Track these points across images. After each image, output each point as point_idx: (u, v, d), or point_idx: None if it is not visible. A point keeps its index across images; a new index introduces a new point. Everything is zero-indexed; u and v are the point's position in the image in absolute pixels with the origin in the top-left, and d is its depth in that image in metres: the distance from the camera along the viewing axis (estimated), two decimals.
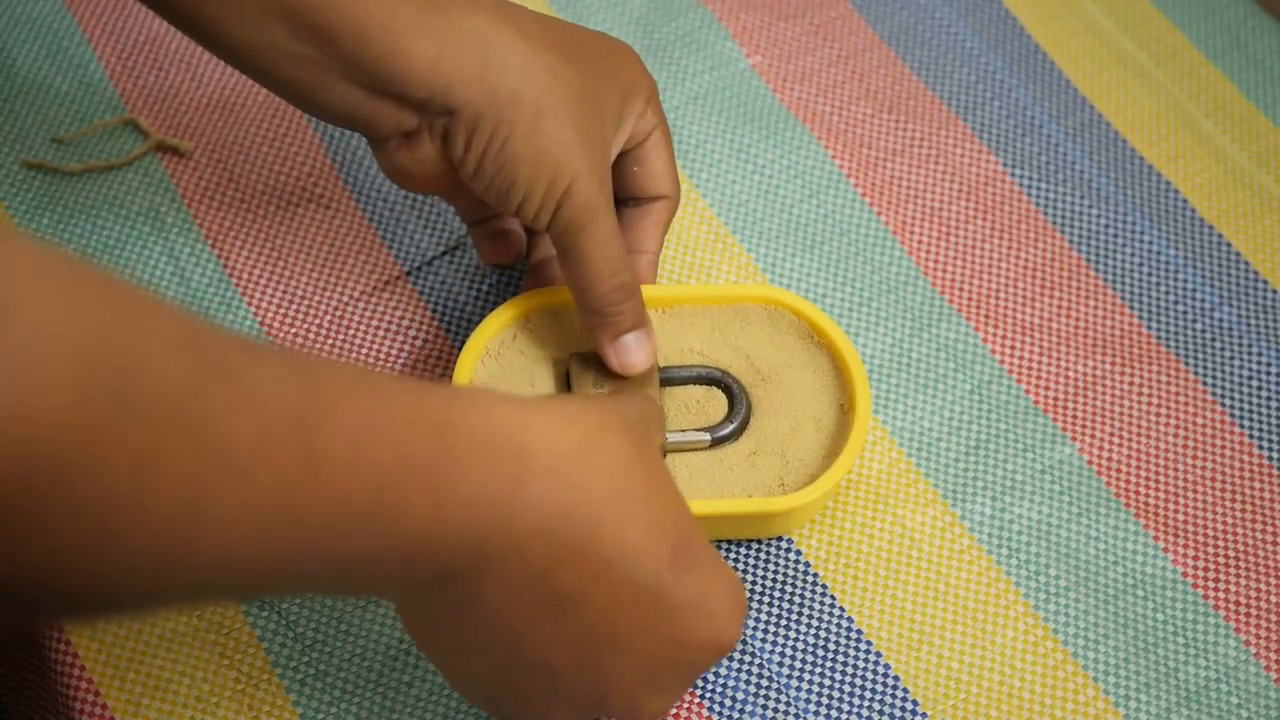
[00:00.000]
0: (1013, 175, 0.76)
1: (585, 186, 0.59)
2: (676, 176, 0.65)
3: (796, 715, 0.61)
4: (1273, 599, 0.65)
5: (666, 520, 0.50)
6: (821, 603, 0.64)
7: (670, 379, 0.65)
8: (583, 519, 0.47)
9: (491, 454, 0.46)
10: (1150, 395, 0.70)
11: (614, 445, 0.49)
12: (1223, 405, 0.70)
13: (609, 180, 0.61)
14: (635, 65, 0.63)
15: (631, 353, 0.62)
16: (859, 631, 0.63)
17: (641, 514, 0.49)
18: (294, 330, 0.69)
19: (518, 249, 0.68)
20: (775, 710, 0.62)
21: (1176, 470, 0.68)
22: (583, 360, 0.65)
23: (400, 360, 0.68)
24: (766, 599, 0.64)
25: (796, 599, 0.64)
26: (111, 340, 0.36)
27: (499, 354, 0.65)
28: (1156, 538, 0.66)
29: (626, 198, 0.65)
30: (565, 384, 0.65)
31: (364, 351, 0.69)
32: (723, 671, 0.62)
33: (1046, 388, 0.70)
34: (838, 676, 0.62)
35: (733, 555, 0.65)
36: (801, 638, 0.63)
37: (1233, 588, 0.65)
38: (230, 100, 0.75)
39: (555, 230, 0.60)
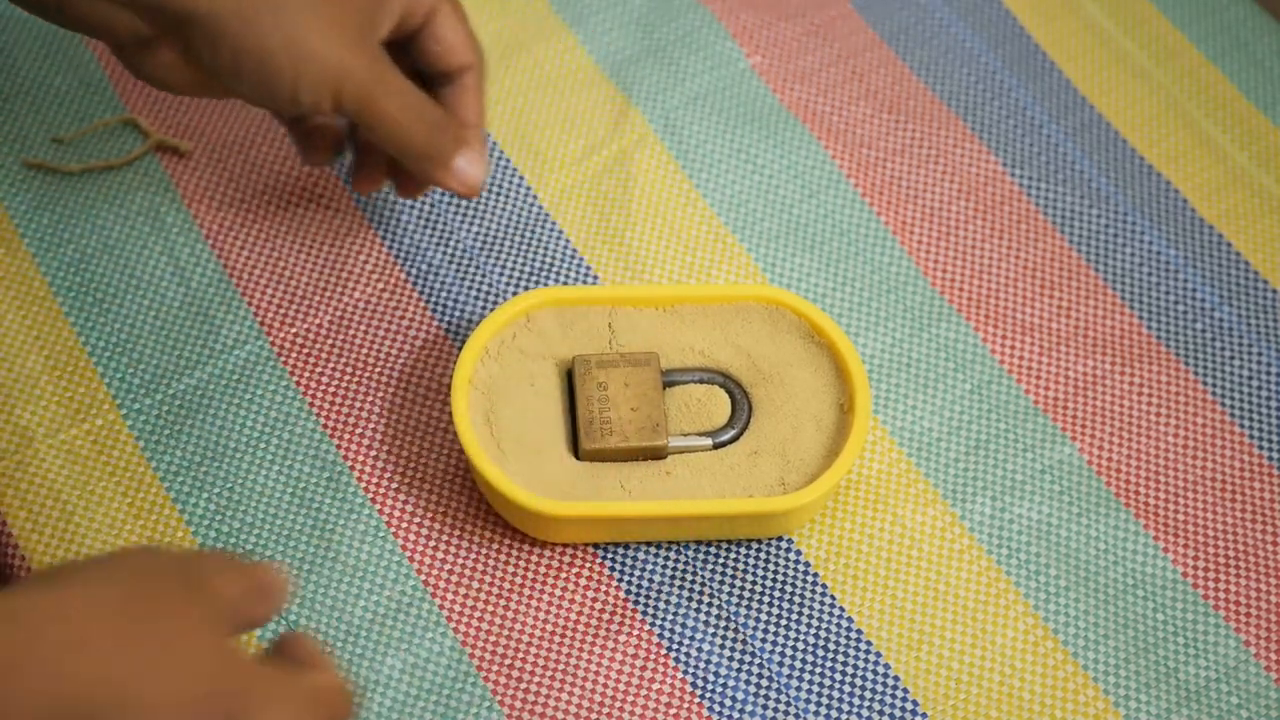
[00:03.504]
0: (1013, 175, 0.76)
1: (356, 63, 0.59)
2: (476, 42, 0.64)
3: (796, 715, 0.61)
4: (1273, 599, 0.65)
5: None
6: (821, 603, 0.64)
7: (673, 380, 0.65)
8: None
9: None
10: (1150, 395, 0.70)
11: None
12: (1223, 405, 0.70)
13: (380, 52, 0.60)
14: None
15: (465, 171, 0.63)
16: (859, 631, 0.63)
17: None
18: (294, 330, 0.69)
19: (334, 142, 0.67)
20: (775, 710, 0.62)
21: (1176, 470, 0.68)
22: (585, 361, 0.65)
23: (400, 360, 0.68)
24: (766, 599, 0.64)
25: (796, 599, 0.64)
26: None
27: (499, 354, 0.65)
28: (1156, 538, 0.66)
29: (435, 74, 0.65)
30: (567, 384, 0.65)
31: (364, 351, 0.69)
32: (723, 671, 0.62)
33: (1046, 388, 0.70)
34: (838, 676, 0.62)
35: (733, 555, 0.65)
36: (801, 638, 0.63)
37: (1233, 588, 0.65)
38: (230, 100, 0.75)
39: (347, 112, 0.61)
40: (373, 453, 0.66)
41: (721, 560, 0.65)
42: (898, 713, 0.62)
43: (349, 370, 0.68)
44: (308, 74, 0.59)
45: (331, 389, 0.68)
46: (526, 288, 0.71)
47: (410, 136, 0.61)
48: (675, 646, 0.63)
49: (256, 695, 0.45)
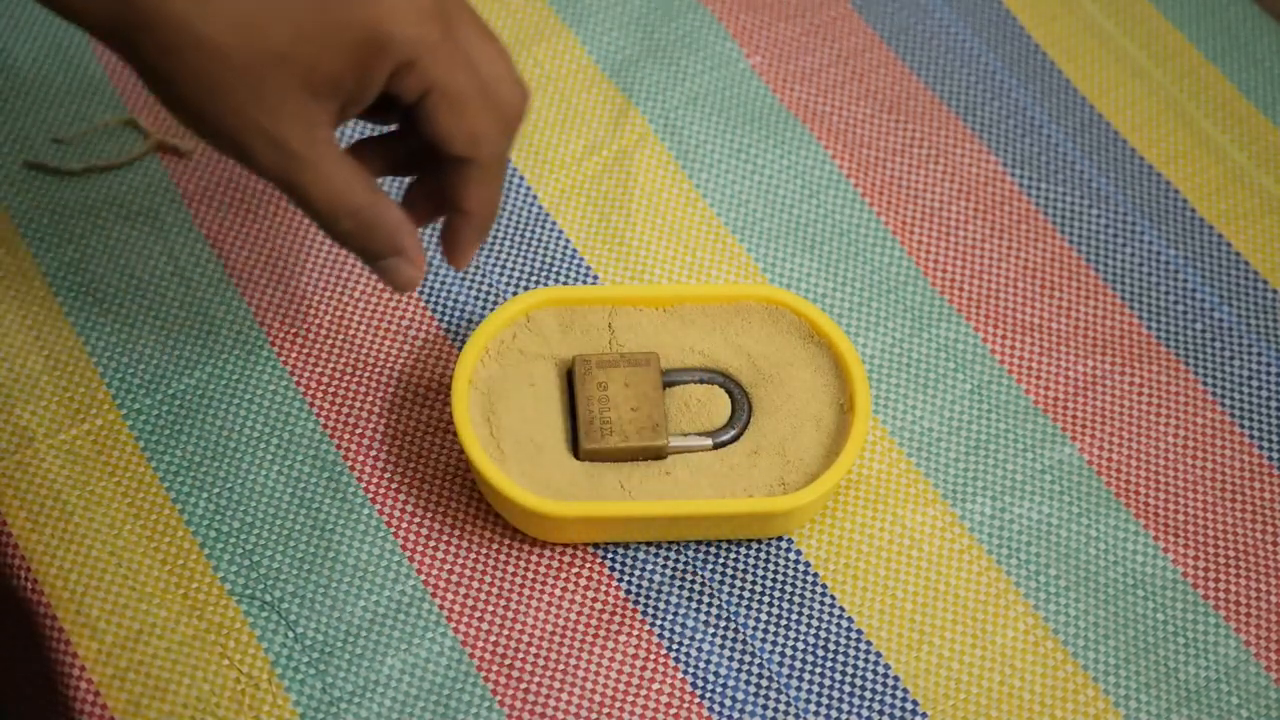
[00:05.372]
0: (1013, 175, 0.76)
1: (289, 133, 0.55)
2: (481, 134, 0.57)
3: (796, 715, 0.62)
4: (1273, 599, 0.65)
5: None
6: (821, 603, 0.64)
7: (673, 380, 0.65)
8: None
9: None
10: (1150, 395, 0.70)
11: None
12: (1223, 405, 0.70)
13: (321, 127, 0.55)
14: (395, 15, 0.54)
15: (390, 274, 0.59)
16: (859, 631, 0.63)
17: None
18: (294, 330, 0.69)
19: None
20: (775, 710, 0.62)
21: (1176, 470, 0.68)
22: (585, 361, 0.65)
23: (400, 360, 0.68)
24: (766, 599, 0.64)
25: (796, 599, 0.64)
26: None
27: (499, 354, 0.65)
28: (1156, 538, 0.66)
29: (438, 156, 0.59)
30: (567, 384, 0.65)
31: (364, 351, 0.69)
32: (723, 671, 0.62)
33: (1046, 388, 0.70)
34: (838, 676, 0.62)
35: (733, 555, 0.65)
36: (801, 638, 0.63)
37: (1233, 588, 0.65)
38: None
39: (273, 182, 0.57)
40: (373, 453, 0.66)
41: (721, 560, 0.65)
42: (898, 713, 0.62)
43: (349, 370, 0.68)
44: (246, 140, 0.55)
45: (331, 389, 0.68)
46: (526, 288, 0.71)
47: (331, 224, 0.57)
48: (675, 646, 0.63)
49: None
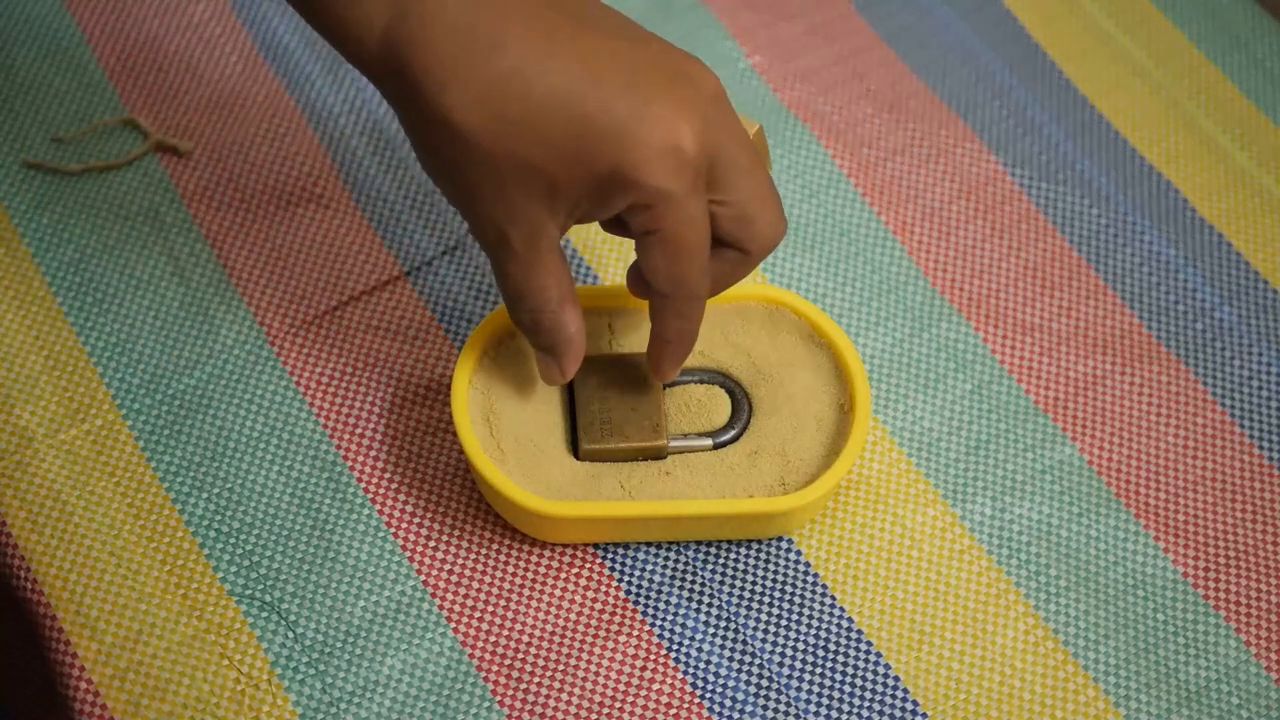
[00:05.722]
0: (1013, 175, 0.76)
1: (511, 228, 0.57)
2: (684, 279, 0.58)
3: (796, 715, 0.61)
4: (1273, 599, 0.65)
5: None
6: (821, 603, 0.64)
7: (673, 380, 0.65)
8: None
9: None
10: (1150, 395, 0.70)
11: None
12: (1223, 405, 0.70)
13: (543, 230, 0.57)
14: (648, 163, 0.55)
15: (538, 362, 0.62)
16: (859, 631, 0.63)
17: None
18: (293, 330, 0.69)
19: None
20: (775, 710, 0.62)
21: (1176, 470, 0.68)
22: (585, 364, 0.65)
23: (400, 360, 0.68)
24: (766, 599, 0.64)
25: (796, 599, 0.64)
26: None
27: (499, 354, 0.65)
28: (1157, 538, 0.66)
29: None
30: (568, 384, 0.65)
31: (363, 351, 0.69)
32: (723, 671, 0.62)
33: (1046, 388, 0.70)
34: (838, 676, 0.62)
35: (733, 555, 0.65)
36: (801, 638, 0.63)
37: (1233, 588, 0.65)
38: (230, 100, 0.75)
39: (478, 242, 0.61)
40: (373, 453, 0.66)
41: (721, 560, 0.65)
42: (898, 713, 0.62)
43: (349, 370, 0.68)
44: (473, 214, 0.58)
45: (331, 389, 0.68)
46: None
47: (511, 308, 0.60)
48: (675, 646, 0.63)
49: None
